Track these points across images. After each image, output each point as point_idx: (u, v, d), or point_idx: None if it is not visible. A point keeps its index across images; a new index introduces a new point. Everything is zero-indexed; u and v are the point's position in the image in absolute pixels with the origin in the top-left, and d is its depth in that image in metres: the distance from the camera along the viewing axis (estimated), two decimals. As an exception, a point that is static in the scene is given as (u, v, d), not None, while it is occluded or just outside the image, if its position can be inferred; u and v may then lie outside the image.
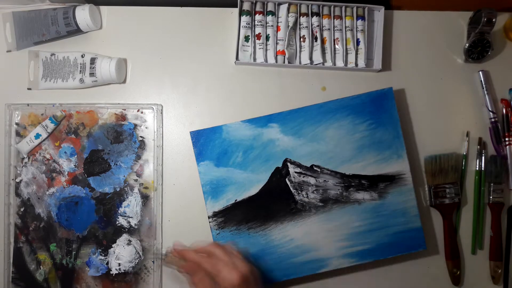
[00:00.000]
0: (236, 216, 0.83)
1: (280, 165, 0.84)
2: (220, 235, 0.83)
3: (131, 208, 0.87)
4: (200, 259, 0.73)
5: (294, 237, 0.83)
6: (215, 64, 0.89)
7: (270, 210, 0.83)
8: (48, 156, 0.87)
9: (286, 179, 0.83)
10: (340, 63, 0.88)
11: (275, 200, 0.83)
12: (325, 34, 0.88)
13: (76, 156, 0.87)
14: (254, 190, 0.83)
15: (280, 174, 0.83)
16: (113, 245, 0.86)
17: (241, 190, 0.83)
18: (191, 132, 0.84)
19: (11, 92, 0.89)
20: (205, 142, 0.84)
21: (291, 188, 0.83)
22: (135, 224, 0.86)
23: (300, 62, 0.88)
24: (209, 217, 0.83)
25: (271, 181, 0.83)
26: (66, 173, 0.87)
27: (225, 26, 0.90)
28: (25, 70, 0.88)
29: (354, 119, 0.84)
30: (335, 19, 0.88)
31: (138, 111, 0.88)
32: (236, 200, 0.83)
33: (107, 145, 0.87)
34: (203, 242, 0.77)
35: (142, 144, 0.87)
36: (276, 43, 0.88)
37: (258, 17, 0.87)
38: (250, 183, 0.83)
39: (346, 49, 0.88)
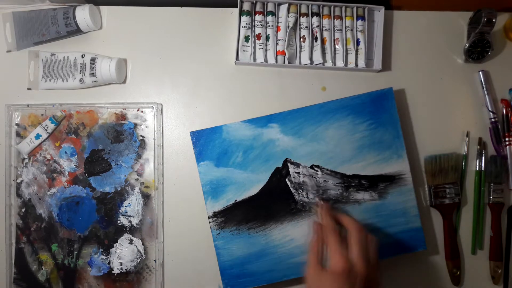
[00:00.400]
0: (236, 216, 0.83)
1: (280, 165, 0.83)
2: (220, 235, 0.82)
3: (132, 207, 0.86)
4: (329, 230, 0.72)
5: (294, 237, 0.82)
6: (215, 64, 0.89)
7: (270, 210, 0.83)
8: (48, 157, 0.87)
9: (286, 179, 0.83)
10: (340, 63, 0.87)
11: (275, 200, 0.83)
12: (325, 34, 0.88)
13: (76, 156, 0.87)
14: (254, 190, 0.83)
15: (280, 174, 0.83)
16: (114, 245, 0.86)
17: (241, 190, 0.83)
18: (191, 132, 0.83)
19: (11, 92, 0.88)
20: (205, 142, 0.83)
21: (291, 188, 0.83)
22: (137, 224, 0.86)
23: (300, 62, 0.88)
24: (209, 217, 0.83)
25: (271, 181, 0.83)
26: (67, 173, 0.86)
27: (225, 26, 0.89)
28: (25, 70, 0.88)
29: (354, 119, 0.83)
30: (335, 19, 0.87)
31: (138, 110, 0.87)
32: (236, 200, 0.83)
33: (108, 145, 0.87)
34: (350, 218, 0.74)
35: (142, 143, 0.87)
36: (276, 43, 0.87)
37: (258, 17, 0.87)
38: (250, 183, 0.83)
39: (346, 49, 0.87)
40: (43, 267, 0.86)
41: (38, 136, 0.86)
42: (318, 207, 0.80)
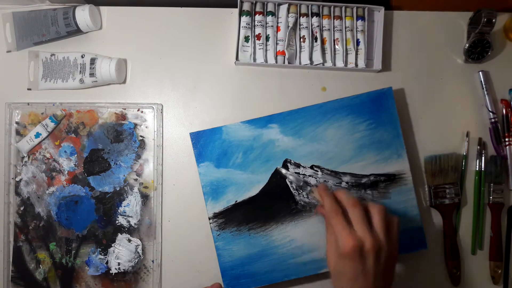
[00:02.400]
0: (237, 217, 0.81)
1: (280, 166, 0.82)
2: (220, 236, 0.81)
3: (131, 207, 0.85)
4: (330, 211, 0.68)
5: (294, 238, 0.81)
6: (215, 64, 0.88)
7: (270, 210, 0.81)
8: (48, 155, 0.85)
9: (286, 180, 0.81)
10: (340, 63, 0.86)
11: (275, 201, 0.81)
12: (325, 34, 0.86)
13: (76, 155, 0.85)
14: (254, 191, 0.81)
15: (280, 174, 0.81)
16: (112, 245, 0.84)
17: (241, 191, 0.81)
18: (191, 134, 0.82)
19: (11, 92, 0.87)
20: (205, 143, 0.82)
21: (291, 189, 0.81)
22: (135, 224, 0.85)
23: (300, 63, 0.86)
24: (209, 218, 0.81)
25: (271, 182, 0.81)
26: (66, 172, 0.85)
27: (225, 26, 0.88)
28: (25, 70, 0.86)
29: (354, 119, 0.82)
30: (335, 20, 0.86)
31: (138, 110, 0.86)
32: (236, 201, 0.81)
33: (107, 145, 0.85)
34: (346, 195, 0.69)
35: (142, 144, 0.86)
36: (276, 44, 0.86)
37: (258, 17, 0.85)
38: (250, 184, 0.81)
39: (346, 49, 0.86)
40: (40, 265, 0.84)
41: (38, 135, 0.84)
42: (316, 190, 0.75)
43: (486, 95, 0.86)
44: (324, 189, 0.72)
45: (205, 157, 0.82)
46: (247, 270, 0.80)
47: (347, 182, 0.81)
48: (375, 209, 0.67)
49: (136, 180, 0.85)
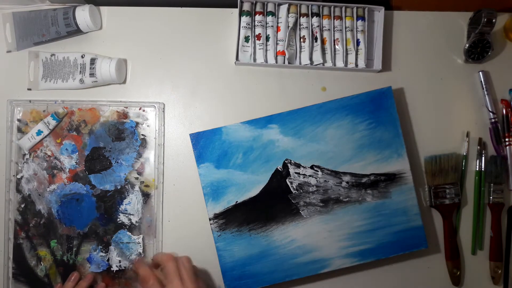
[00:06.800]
0: (237, 217, 0.78)
1: (280, 166, 0.78)
2: (221, 237, 0.78)
3: (132, 205, 0.82)
4: (150, 273, 0.74)
5: (295, 238, 0.78)
6: (215, 65, 0.84)
7: (271, 211, 0.78)
8: (49, 153, 0.82)
9: (287, 180, 0.78)
10: (340, 63, 0.83)
11: (275, 201, 0.78)
12: (325, 34, 0.83)
13: (77, 153, 0.82)
14: (254, 192, 0.78)
15: (280, 175, 0.78)
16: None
17: (242, 191, 0.78)
18: (190, 135, 0.79)
19: (11, 92, 0.84)
20: (205, 144, 0.79)
21: (291, 189, 0.78)
22: (136, 222, 0.82)
23: (300, 63, 0.83)
24: (210, 219, 0.78)
25: (271, 182, 0.78)
26: (67, 170, 0.82)
27: (225, 26, 0.84)
28: (25, 70, 0.83)
29: (354, 118, 0.79)
30: (335, 20, 0.83)
31: (140, 109, 0.83)
32: (236, 201, 0.78)
33: (109, 143, 0.82)
34: (162, 254, 0.78)
35: (143, 142, 0.83)
36: (276, 44, 0.83)
37: (258, 17, 0.82)
38: (251, 184, 0.78)
39: (346, 49, 0.83)
40: (41, 262, 0.82)
41: (39, 132, 0.81)
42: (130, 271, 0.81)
43: (486, 95, 0.83)
44: (139, 263, 0.78)
45: (205, 158, 0.78)
46: (248, 270, 0.78)
47: (347, 182, 0.78)
48: (180, 261, 0.75)
49: (137, 178, 0.82)
